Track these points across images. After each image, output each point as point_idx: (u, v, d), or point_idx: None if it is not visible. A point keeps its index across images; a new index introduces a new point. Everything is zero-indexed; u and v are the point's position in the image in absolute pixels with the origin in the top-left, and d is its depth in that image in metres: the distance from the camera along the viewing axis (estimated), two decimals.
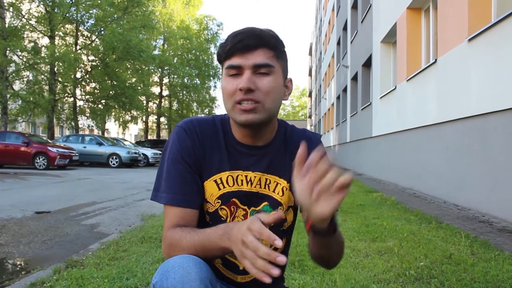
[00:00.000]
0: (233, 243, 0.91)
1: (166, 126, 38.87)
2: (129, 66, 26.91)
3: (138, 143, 28.01)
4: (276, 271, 0.80)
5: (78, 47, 24.44)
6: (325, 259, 1.16)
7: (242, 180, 1.18)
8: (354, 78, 18.00)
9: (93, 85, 26.31)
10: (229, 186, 1.17)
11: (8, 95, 21.24)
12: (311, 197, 0.88)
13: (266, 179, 1.20)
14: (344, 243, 1.18)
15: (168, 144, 1.18)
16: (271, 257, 0.80)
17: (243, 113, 1.07)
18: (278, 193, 1.20)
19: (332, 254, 1.14)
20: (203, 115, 1.30)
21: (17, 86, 23.58)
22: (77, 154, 17.00)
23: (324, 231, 0.99)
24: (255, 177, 1.19)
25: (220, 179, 1.17)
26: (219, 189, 1.17)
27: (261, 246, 0.82)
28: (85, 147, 18.82)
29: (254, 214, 1.19)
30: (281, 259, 0.79)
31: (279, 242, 0.80)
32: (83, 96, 26.09)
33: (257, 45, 1.06)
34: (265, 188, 1.19)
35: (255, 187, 1.19)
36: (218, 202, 1.17)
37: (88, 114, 27.18)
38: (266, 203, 1.20)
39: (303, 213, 1.03)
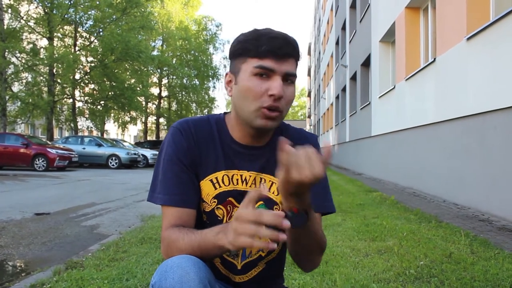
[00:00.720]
0: (226, 236, 0.90)
1: (165, 127, 38.86)
2: (128, 67, 26.89)
3: (138, 144, 28.00)
4: (283, 236, 0.81)
5: (77, 48, 24.46)
6: (296, 256, 1.16)
7: (237, 180, 1.18)
8: (353, 78, 18.00)
9: (92, 86, 26.34)
10: (225, 185, 1.17)
11: (7, 97, 21.25)
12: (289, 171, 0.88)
13: (261, 179, 1.20)
14: (320, 249, 1.17)
15: (164, 145, 1.18)
16: (278, 221, 0.82)
17: (266, 119, 1.08)
18: (273, 193, 1.20)
19: (302, 253, 1.14)
20: (198, 116, 1.30)
21: (16, 87, 23.59)
22: (76, 156, 16.99)
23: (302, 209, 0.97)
24: (250, 176, 1.19)
25: (216, 178, 1.17)
26: (215, 188, 1.17)
27: (265, 212, 0.83)
28: (84, 148, 18.81)
29: None
30: (286, 223, 0.81)
31: (286, 222, 0.82)
32: (82, 97, 26.12)
33: (291, 55, 1.07)
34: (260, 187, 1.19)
35: (250, 186, 1.19)
36: (215, 202, 1.17)
37: (87, 115, 27.19)
38: (261, 202, 1.20)
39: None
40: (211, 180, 1.17)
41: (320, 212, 1.24)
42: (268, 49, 1.04)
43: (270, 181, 1.20)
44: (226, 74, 1.17)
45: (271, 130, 1.17)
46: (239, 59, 1.10)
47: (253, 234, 0.83)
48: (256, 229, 0.82)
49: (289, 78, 1.08)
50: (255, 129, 1.13)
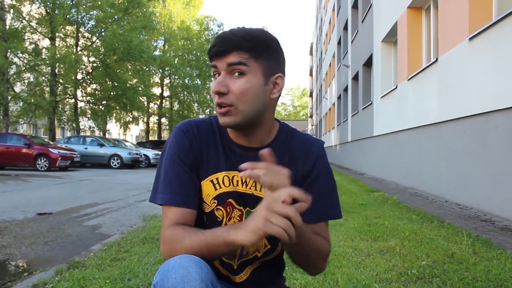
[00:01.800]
0: (243, 230, 0.93)
1: (167, 127, 38.92)
2: (130, 67, 26.93)
3: (139, 144, 28.00)
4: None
5: (78, 48, 24.51)
6: (297, 263, 1.19)
7: (237, 181, 1.18)
8: (355, 78, 17.99)
9: (94, 86, 26.39)
10: (225, 186, 1.17)
11: (9, 97, 21.32)
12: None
13: None
14: (322, 255, 1.20)
15: (166, 146, 1.19)
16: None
17: (220, 115, 1.10)
18: None
19: (307, 259, 1.16)
20: (204, 116, 1.31)
21: (18, 88, 23.65)
22: (78, 156, 17.00)
23: None
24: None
25: (217, 179, 1.17)
26: (215, 189, 1.17)
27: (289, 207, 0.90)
28: (86, 148, 18.83)
29: (249, 214, 1.19)
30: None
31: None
32: (84, 97, 26.15)
33: (229, 49, 1.07)
34: (260, 190, 1.18)
35: (250, 188, 1.18)
36: (214, 203, 1.17)
37: (89, 115, 27.23)
38: None
39: None
40: (212, 181, 1.17)
41: (325, 220, 1.24)
42: (210, 48, 1.10)
43: None
44: None
45: (249, 127, 1.14)
46: None
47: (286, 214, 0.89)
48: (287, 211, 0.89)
49: (234, 70, 1.07)
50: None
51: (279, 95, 1.17)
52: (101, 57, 24.14)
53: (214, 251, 1.00)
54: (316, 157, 1.23)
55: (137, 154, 19.35)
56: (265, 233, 0.89)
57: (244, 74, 1.07)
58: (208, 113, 38.33)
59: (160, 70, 34.34)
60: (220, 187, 1.17)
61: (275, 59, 1.13)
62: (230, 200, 1.18)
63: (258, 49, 1.09)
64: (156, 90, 36.60)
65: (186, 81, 36.03)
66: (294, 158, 1.22)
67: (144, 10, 25.29)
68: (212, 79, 1.13)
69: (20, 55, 21.86)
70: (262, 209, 0.91)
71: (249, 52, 1.07)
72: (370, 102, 14.33)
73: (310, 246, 1.11)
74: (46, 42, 23.65)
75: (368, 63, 15.23)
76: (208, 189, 1.17)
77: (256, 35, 1.09)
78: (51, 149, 15.74)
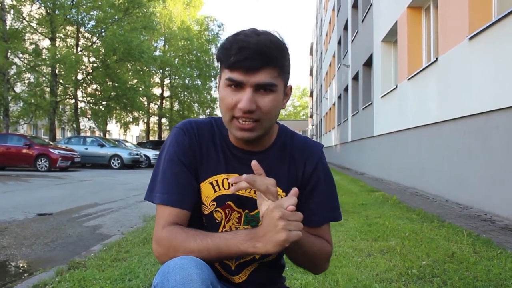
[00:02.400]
0: (266, 242, 0.96)
1: (168, 127, 38.92)
2: (130, 67, 26.94)
3: (140, 144, 28.00)
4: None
5: (79, 48, 24.51)
6: (299, 264, 1.21)
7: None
8: (355, 78, 17.98)
9: (94, 86, 26.40)
10: (224, 189, 1.17)
11: (10, 97, 21.32)
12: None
13: None
14: (323, 256, 1.20)
15: (166, 145, 1.18)
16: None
17: (240, 130, 1.06)
18: None
19: (308, 260, 1.17)
20: (204, 116, 1.30)
21: (18, 88, 23.65)
22: (78, 156, 17.01)
23: None
24: None
25: (216, 181, 1.17)
26: (215, 191, 1.16)
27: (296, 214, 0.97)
28: (86, 148, 18.83)
29: (248, 216, 1.19)
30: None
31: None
32: (84, 98, 26.15)
33: (263, 66, 1.02)
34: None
35: (249, 192, 1.17)
36: (213, 205, 1.17)
37: (89, 116, 27.24)
38: None
39: None
40: (211, 183, 1.16)
41: (326, 222, 1.24)
42: (235, 60, 1.01)
43: None
44: (217, 77, 1.16)
45: (258, 139, 1.13)
46: (220, 65, 1.10)
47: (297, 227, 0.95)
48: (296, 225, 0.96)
49: (262, 88, 1.04)
50: (239, 140, 1.13)
51: None
52: (101, 57, 24.15)
53: (224, 257, 1.02)
54: (316, 161, 1.23)
55: (137, 154, 19.35)
56: (290, 243, 0.93)
57: (272, 91, 1.05)
58: (208, 113, 38.34)
59: (161, 71, 34.36)
60: (220, 189, 1.17)
61: (289, 70, 1.13)
62: (229, 202, 1.17)
63: (284, 63, 1.07)
64: (157, 91, 36.61)
65: (187, 81, 36.06)
66: (294, 161, 1.22)
67: (144, 10, 25.30)
68: (225, 87, 1.06)
69: (21, 55, 21.86)
70: (277, 220, 0.94)
71: (278, 68, 1.05)
72: (370, 102, 14.33)
73: (312, 249, 1.12)
74: (46, 43, 23.66)
75: (368, 63, 15.23)
76: (208, 190, 1.16)
77: (282, 47, 1.06)
78: (51, 150, 15.74)
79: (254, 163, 1.01)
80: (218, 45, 1.15)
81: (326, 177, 1.24)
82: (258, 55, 1.00)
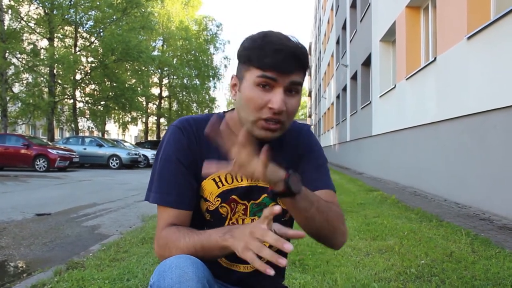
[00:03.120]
0: (236, 240, 0.93)
1: (166, 127, 38.86)
2: (128, 67, 26.90)
3: (138, 144, 27.98)
4: (283, 261, 0.83)
5: (77, 48, 24.46)
6: (316, 233, 1.13)
7: (241, 176, 1.17)
8: (354, 77, 17.99)
9: (93, 86, 26.36)
10: (227, 183, 1.17)
11: (8, 98, 21.27)
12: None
13: None
14: (337, 216, 1.15)
15: (162, 144, 1.18)
16: (279, 244, 0.85)
17: (264, 130, 1.06)
18: None
19: (320, 224, 1.09)
20: (199, 114, 1.30)
21: (16, 88, 23.62)
22: (77, 156, 16.99)
23: (283, 193, 0.98)
24: None
25: (219, 177, 1.17)
26: (218, 187, 1.17)
27: (270, 234, 0.87)
28: (85, 148, 18.81)
29: (253, 207, 1.19)
30: (288, 246, 0.83)
31: (288, 247, 0.83)
32: (82, 98, 26.12)
33: (295, 69, 1.04)
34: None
35: (254, 180, 1.17)
36: (218, 200, 1.17)
37: (88, 116, 27.19)
38: (265, 195, 1.19)
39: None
40: (214, 179, 1.16)
41: (327, 187, 1.23)
42: (271, 62, 1.01)
43: None
44: (232, 76, 1.14)
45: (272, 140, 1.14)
46: (244, 66, 1.08)
47: (258, 251, 0.86)
48: (260, 248, 0.86)
49: (293, 88, 1.05)
50: (258, 139, 1.11)
51: None
52: (99, 57, 24.11)
53: (210, 254, 1.01)
54: (307, 136, 1.29)
55: (136, 154, 19.34)
56: (244, 256, 0.89)
57: (298, 93, 1.08)
58: (207, 112, 38.23)
59: (159, 70, 34.31)
60: (223, 185, 1.17)
61: None
62: (233, 196, 1.17)
63: (307, 67, 1.10)
64: (155, 90, 36.55)
65: (185, 81, 36.03)
66: (288, 146, 1.25)
67: (143, 10, 25.27)
68: (253, 86, 1.05)
69: (19, 55, 21.82)
70: (247, 232, 0.91)
71: (304, 71, 1.08)
72: (369, 102, 14.34)
73: (320, 204, 1.08)
74: (44, 43, 23.59)
75: (367, 63, 15.24)
76: (211, 187, 1.16)
77: (307, 53, 1.09)
78: (50, 150, 15.72)
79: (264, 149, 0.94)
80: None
81: (317, 149, 1.28)
82: (295, 59, 1.03)
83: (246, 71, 1.07)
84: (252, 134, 1.08)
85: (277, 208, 0.87)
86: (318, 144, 1.30)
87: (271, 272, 0.82)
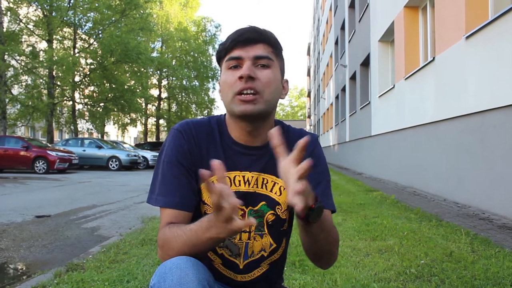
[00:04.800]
0: (219, 224, 0.90)
1: (166, 128, 38.84)
2: (127, 68, 26.90)
3: (138, 146, 27.95)
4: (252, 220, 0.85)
5: (76, 50, 24.45)
6: (312, 252, 1.16)
7: (239, 181, 1.18)
8: (353, 78, 18.01)
9: (92, 88, 26.34)
10: None
11: (7, 100, 21.23)
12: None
13: (264, 179, 1.20)
14: (336, 240, 1.18)
15: (164, 147, 1.19)
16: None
17: (242, 103, 1.09)
18: (275, 193, 1.20)
19: (322, 247, 1.13)
20: (201, 117, 1.31)
21: (15, 90, 23.58)
22: (76, 158, 16.98)
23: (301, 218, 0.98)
24: (252, 177, 1.19)
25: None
26: None
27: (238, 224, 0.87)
28: (84, 150, 18.81)
29: (251, 213, 1.20)
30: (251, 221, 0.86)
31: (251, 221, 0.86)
32: (82, 100, 26.10)
33: (258, 39, 1.11)
34: (262, 187, 1.19)
35: (252, 187, 1.19)
36: None
37: (87, 118, 27.15)
38: (264, 202, 1.20)
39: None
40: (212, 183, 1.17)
41: (326, 206, 1.23)
42: (232, 39, 1.11)
43: (272, 181, 1.20)
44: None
45: (260, 121, 1.15)
46: (220, 65, 1.16)
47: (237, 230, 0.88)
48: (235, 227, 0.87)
49: (260, 62, 1.10)
50: (240, 118, 1.13)
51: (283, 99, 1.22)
52: (98, 59, 24.09)
53: (201, 248, 0.99)
54: (312, 149, 1.26)
55: (135, 155, 19.33)
56: (230, 230, 0.89)
57: (269, 66, 1.11)
58: (206, 114, 38.29)
59: (158, 72, 34.31)
60: None
61: (284, 62, 1.21)
62: None
63: (278, 46, 1.16)
64: (154, 92, 36.49)
65: (184, 82, 36.00)
66: (291, 152, 1.22)
67: (141, 11, 25.25)
68: (226, 71, 1.13)
69: (18, 57, 21.78)
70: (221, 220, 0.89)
71: (272, 47, 1.13)
72: (368, 102, 14.34)
73: (329, 226, 1.11)
74: (43, 45, 23.56)
75: (366, 63, 15.25)
76: None
77: (273, 33, 1.16)
78: (49, 152, 15.71)
79: (272, 134, 0.96)
80: (216, 47, 1.19)
81: (322, 163, 1.26)
82: (253, 31, 1.12)
83: (221, 65, 1.16)
84: (235, 114, 1.13)
85: (252, 222, 0.86)
86: (324, 158, 1.28)
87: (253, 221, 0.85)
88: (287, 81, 1.22)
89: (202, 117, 1.33)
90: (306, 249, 1.17)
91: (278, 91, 1.15)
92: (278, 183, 1.20)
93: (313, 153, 1.25)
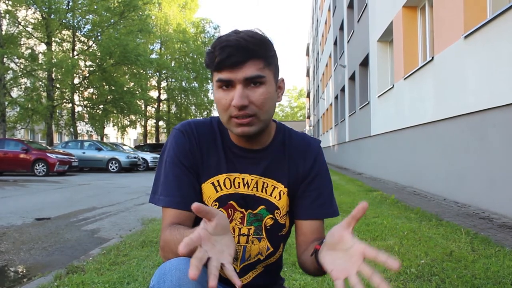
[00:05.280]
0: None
1: (165, 130, 38.87)
2: (126, 70, 26.91)
3: (137, 148, 27.95)
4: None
5: (75, 53, 24.45)
6: (307, 271, 1.18)
7: (239, 183, 1.18)
8: (352, 78, 18.02)
9: (91, 90, 26.35)
10: (226, 188, 1.17)
11: (6, 102, 21.23)
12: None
13: (264, 183, 1.20)
14: None
15: (166, 147, 1.19)
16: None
17: (239, 126, 1.07)
18: (275, 197, 1.20)
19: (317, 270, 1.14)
20: (201, 118, 1.31)
21: (15, 93, 23.59)
22: (76, 160, 16.99)
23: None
24: (252, 179, 1.19)
25: (218, 181, 1.17)
26: (216, 191, 1.17)
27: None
28: (84, 152, 18.80)
29: (250, 216, 1.20)
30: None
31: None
32: (81, 102, 26.11)
33: (246, 59, 1.03)
34: (262, 191, 1.19)
35: (251, 189, 1.19)
36: (216, 205, 1.17)
37: (86, 120, 27.16)
38: (263, 206, 1.20)
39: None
40: (213, 183, 1.17)
41: (323, 218, 1.24)
42: (219, 60, 1.03)
43: (272, 185, 1.20)
44: None
45: (259, 134, 1.14)
46: (210, 71, 1.12)
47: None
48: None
49: (253, 81, 1.05)
50: (240, 137, 1.13)
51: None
52: (97, 61, 24.09)
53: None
54: (315, 156, 1.25)
55: (135, 157, 19.32)
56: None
57: (262, 83, 1.06)
58: (206, 115, 38.28)
59: (157, 73, 34.30)
60: (222, 189, 1.17)
61: (277, 62, 1.15)
62: (231, 202, 1.18)
63: (268, 54, 1.09)
64: (153, 93, 36.52)
65: (183, 84, 36.00)
66: (293, 157, 1.23)
67: (140, 13, 25.26)
68: (217, 89, 1.08)
69: (17, 60, 21.79)
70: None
71: (263, 59, 1.06)
72: (367, 102, 14.35)
73: None
74: (42, 47, 23.57)
75: (365, 63, 15.26)
76: (209, 191, 1.17)
77: (263, 39, 1.08)
78: (49, 154, 15.71)
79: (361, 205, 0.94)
80: (205, 53, 1.15)
81: (323, 173, 1.25)
82: (239, 50, 1.02)
83: (212, 76, 1.10)
84: (233, 133, 1.12)
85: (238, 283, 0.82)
86: (325, 166, 1.28)
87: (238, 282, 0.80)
88: (282, 80, 1.18)
89: (204, 118, 1.33)
90: (304, 269, 1.18)
91: (273, 103, 1.11)
92: (277, 188, 1.20)
93: (315, 162, 1.24)
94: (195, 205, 0.80)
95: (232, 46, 1.02)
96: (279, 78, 1.17)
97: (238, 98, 1.03)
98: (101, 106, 25.93)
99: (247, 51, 1.03)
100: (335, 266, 0.91)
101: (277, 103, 1.18)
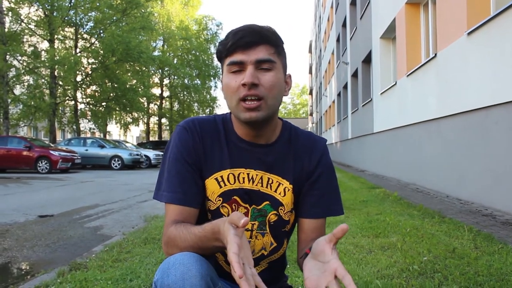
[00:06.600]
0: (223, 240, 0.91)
1: (168, 127, 38.91)
2: (129, 68, 26.94)
3: (140, 145, 28.02)
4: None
5: (78, 50, 24.48)
6: None
7: (244, 178, 1.18)
8: (355, 75, 17.98)
9: (94, 87, 26.39)
10: (230, 183, 1.18)
11: (9, 100, 21.29)
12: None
13: (269, 178, 1.20)
14: None
15: (170, 144, 1.20)
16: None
17: (247, 111, 1.08)
18: (280, 193, 1.20)
19: None
20: (204, 115, 1.32)
21: (17, 90, 23.62)
22: (79, 157, 17.03)
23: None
24: (257, 175, 1.19)
25: (221, 177, 1.18)
26: (220, 187, 1.18)
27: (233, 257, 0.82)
28: (87, 150, 18.84)
29: (255, 211, 1.20)
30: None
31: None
32: (84, 99, 26.16)
33: (259, 42, 1.08)
34: (267, 187, 1.19)
35: (256, 185, 1.19)
36: (220, 200, 1.18)
37: (89, 117, 27.23)
38: (267, 202, 1.20)
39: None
40: (216, 179, 1.18)
41: (327, 216, 1.25)
42: (232, 43, 1.08)
43: (277, 181, 1.20)
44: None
45: (266, 123, 1.15)
46: (221, 63, 1.15)
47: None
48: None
49: (262, 66, 1.08)
50: (246, 124, 1.14)
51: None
52: (100, 58, 24.13)
53: (208, 252, 1.01)
54: (320, 154, 1.25)
55: (137, 155, 19.35)
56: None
57: (272, 69, 1.09)
58: (208, 112, 38.30)
59: (160, 71, 34.31)
60: (225, 185, 1.18)
61: (286, 57, 1.18)
62: (235, 197, 1.18)
63: (279, 43, 1.13)
64: (156, 91, 36.55)
65: (186, 81, 36.00)
66: (299, 155, 1.24)
67: (143, 10, 25.27)
68: (228, 74, 1.11)
69: (19, 58, 21.83)
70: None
71: (274, 47, 1.11)
72: (370, 99, 14.32)
73: None
74: (45, 45, 23.59)
75: (367, 60, 15.22)
76: (213, 187, 1.18)
77: (274, 31, 1.13)
78: (51, 151, 15.75)
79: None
80: (217, 44, 1.18)
81: (329, 171, 1.26)
82: (253, 33, 1.08)
83: (223, 66, 1.13)
84: (240, 119, 1.13)
85: (245, 221, 0.85)
86: (331, 165, 1.28)
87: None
88: (290, 76, 1.21)
89: (208, 115, 1.33)
90: (300, 267, 1.17)
91: (281, 92, 1.14)
92: (282, 184, 1.21)
93: (321, 160, 1.25)
94: (244, 222, 0.85)
95: (245, 30, 1.09)
96: (288, 74, 1.19)
97: (249, 76, 1.06)
98: (103, 104, 25.97)
99: (260, 35, 1.08)
100: (311, 275, 0.92)
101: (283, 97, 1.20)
